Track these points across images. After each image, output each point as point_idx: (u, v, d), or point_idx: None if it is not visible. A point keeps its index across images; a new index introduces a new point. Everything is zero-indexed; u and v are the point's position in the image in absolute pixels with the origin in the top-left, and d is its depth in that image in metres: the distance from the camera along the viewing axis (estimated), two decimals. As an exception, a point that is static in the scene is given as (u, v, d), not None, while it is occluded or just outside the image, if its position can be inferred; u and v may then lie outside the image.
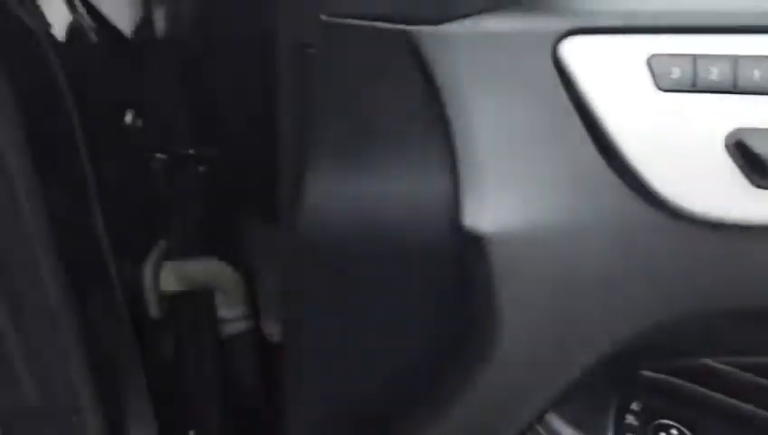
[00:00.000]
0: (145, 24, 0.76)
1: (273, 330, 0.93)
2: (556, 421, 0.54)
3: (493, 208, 0.46)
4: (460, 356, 0.51)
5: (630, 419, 0.56)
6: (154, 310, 0.88)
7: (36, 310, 0.69)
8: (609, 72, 0.46)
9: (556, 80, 0.45)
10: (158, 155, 0.82)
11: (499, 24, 0.45)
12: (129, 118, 0.77)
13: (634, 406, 0.57)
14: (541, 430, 0.53)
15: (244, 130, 0.76)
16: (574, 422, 0.55)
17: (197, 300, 0.94)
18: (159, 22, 0.78)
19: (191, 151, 0.83)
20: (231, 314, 0.94)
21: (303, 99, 0.56)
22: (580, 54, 0.45)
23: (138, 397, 0.87)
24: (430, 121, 0.49)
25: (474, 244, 0.46)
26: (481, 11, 0.46)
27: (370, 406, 0.60)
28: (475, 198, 0.46)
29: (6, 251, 0.66)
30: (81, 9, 0.67)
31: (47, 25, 0.62)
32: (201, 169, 0.84)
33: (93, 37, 0.68)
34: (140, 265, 0.85)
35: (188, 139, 0.84)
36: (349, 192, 0.52)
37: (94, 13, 0.70)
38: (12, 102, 0.58)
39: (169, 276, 0.90)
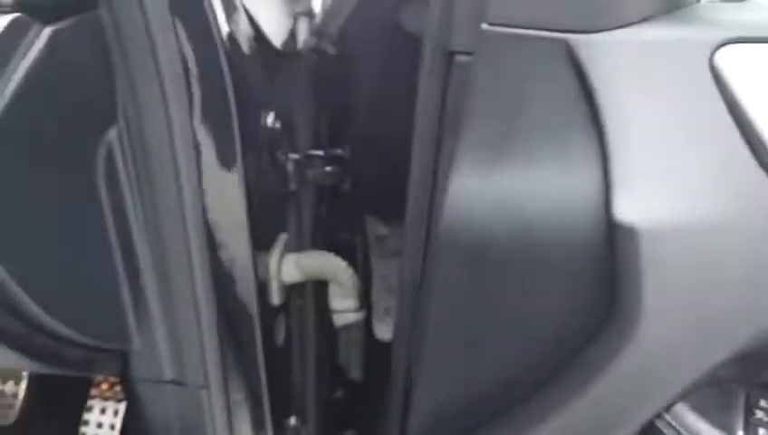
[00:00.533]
0: (291, 35, 0.83)
1: (382, 325, 0.98)
2: (690, 415, 0.55)
3: (644, 203, 0.49)
4: (600, 341, 0.53)
5: (761, 414, 0.57)
6: (275, 297, 0.94)
7: (184, 297, 0.77)
8: (762, 78, 0.49)
9: (712, 84, 0.48)
10: (292, 155, 0.89)
11: (657, 33, 0.49)
12: (269, 120, 0.83)
13: (763, 403, 0.58)
14: (673, 422, 0.56)
15: (373, 132, 0.82)
16: (704, 415, 0.57)
17: (313, 290, 1.00)
18: (302, 32, 0.85)
19: (321, 152, 0.90)
20: (343, 306, 1.00)
21: (450, 102, 0.62)
22: (734, 62, 0.48)
23: (256, 378, 0.93)
24: (578, 122, 0.53)
25: (624, 235, 0.49)
26: (637, 21, 0.50)
27: (499, 391, 0.64)
28: (627, 193, 0.50)
29: (166, 248, 0.73)
30: (244, 20, 0.75)
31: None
32: (328, 168, 0.91)
33: (252, 46, 0.76)
34: (264, 255, 0.91)
35: (319, 140, 0.91)
36: (492, 188, 0.56)
37: (252, 23, 0.77)
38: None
39: (290, 267, 0.96)
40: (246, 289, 0.85)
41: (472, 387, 0.63)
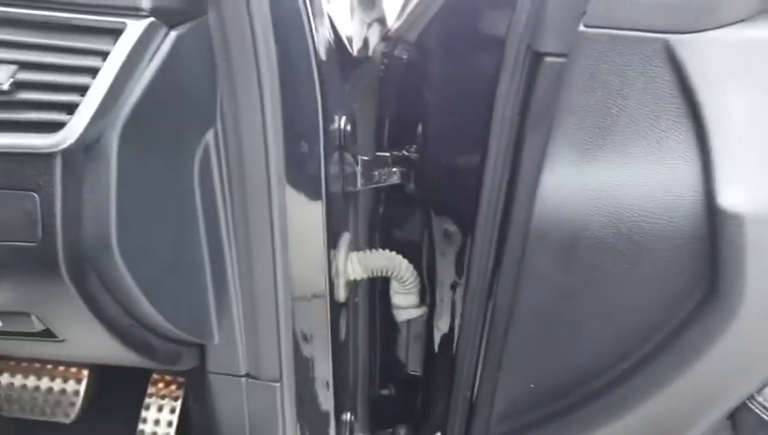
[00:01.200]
0: (363, 40, 0.86)
1: (443, 321, 1.00)
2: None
3: (747, 191, 0.52)
4: (699, 324, 0.56)
5: None
6: (341, 294, 0.97)
7: (265, 294, 0.79)
8: None
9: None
10: (361, 156, 0.92)
11: (755, 33, 0.52)
12: (342, 122, 0.86)
13: None
14: (766, 403, 0.58)
15: (443, 132, 0.84)
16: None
17: (367, 287, 1.03)
18: (373, 38, 0.88)
19: (387, 153, 0.93)
20: (405, 302, 1.02)
21: (537, 101, 0.64)
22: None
23: (323, 373, 0.95)
24: (675, 117, 0.56)
25: (728, 221, 0.52)
26: (735, 21, 0.53)
27: (586, 379, 0.66)
28: (730, 182, 0.52)
29: (252, 247, 0.76)
30: (328, 26, 0.78)
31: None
32: (394, 169, 0.94)
33: (333, 51, 0.79)
34: (331, 253, 0.94)
35: (386, 141, 0.94)
36: (586, 180, 0.59)
37: (333, 29, 0.80)
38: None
39: (355, 265, 0.99)
40: (319, 286, 0.88)
41: (558, 375, 0.65)
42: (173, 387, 1.15)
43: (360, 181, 0.94)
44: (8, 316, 0.63)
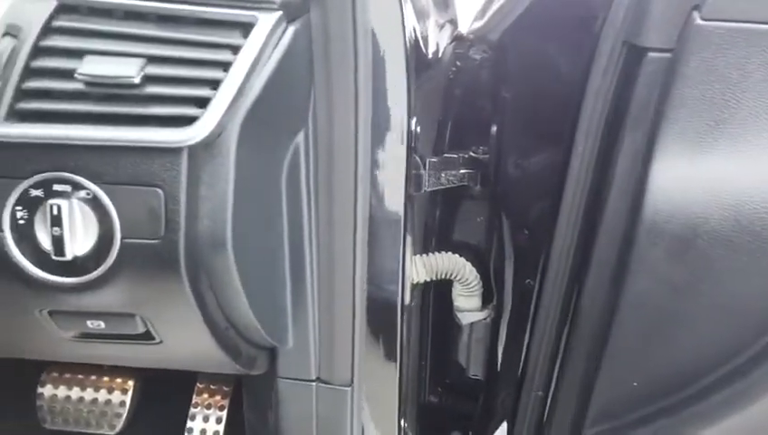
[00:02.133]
0: (435, 41, 0.87)
1: (510, 323, 1.00)
2: None
3: None
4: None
5: None
6: (407, 297, 0.96)
7: (343, 298, 0.78)
8: None
9: None
10: (429, 159, 0.92)
11: None
12: (412, 124, 0.86)
13: None
14: None
15: (517, 132, 0.85)
16: None
17: (439, 290, 1.02)
18: (444, 39, 0.89)
19: (455, 154, 0.93)
20: (468, 305, 1.02)
21: (638, 97, 0.65)
22: None
23: (391, 377, 0.94)
24: None
25: None
26: None
27: (694, 376, 0.66)
28: None
29: (334, 252, 0.75)
30: (410, 29, 0.78)
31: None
32: (462, 171, 0.94)
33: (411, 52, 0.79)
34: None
35: (453, 144, 0.94)
36: (701, 173, 0.60)
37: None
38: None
39: (419, 268, 0.99)
40: (393, 290, 0.87)
41: (665, 372, 0.65)
42: (218, 397, 1.13)
43: (426, 183, 0.94)
44: (112, 318, 0.61)
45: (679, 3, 0.60)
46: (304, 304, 0.79)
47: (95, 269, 0.56)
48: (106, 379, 1.12)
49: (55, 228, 0.53)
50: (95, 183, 0.54)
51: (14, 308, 0.60)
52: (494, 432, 1.05)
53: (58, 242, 0.53)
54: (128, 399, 1.11)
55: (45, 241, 0.55)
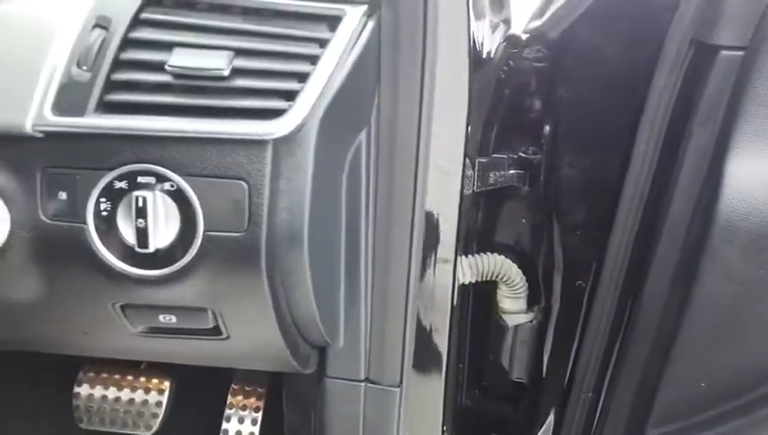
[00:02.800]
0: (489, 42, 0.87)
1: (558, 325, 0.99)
2: None
3: None
4: None
5: None
6: (454, 299, 0.96)
7: (397, 298, 0.78)
8: None
9: None
10: (479, 159, 0.92)
11: None
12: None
13: None
14: None
15: (576, 134, 0.85)
16: None
17: (484, 291, 1.02)
18: (497, 39, 0.89)
19: (504, 155, 0.93)
20: (514, 307, 1.02)
21: (709, 95, 0.65)
22: None
23: (438, 378, 0.94)
24: None
25: None
26: None
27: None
28: None
29: (391, 250, 0.75)
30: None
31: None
32: (511, 171, 0.94)
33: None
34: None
35: (501, 144, 0.94)
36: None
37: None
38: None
39: (465, 269, 0.98)
40: (444, 291, 0.87)
41: (736, 373, 0.65)
42: (253, 398, 1.13)
43: (475, 184, 0.94)
44: (185, 312, 0.61)
45: (754, 2, 0.61)
46: (357, 303, 0.78)
47: (176, 262, 0.56)
48: (143, 379, 1.12)
49: (140, 220, 0.53)
50: (180, 175, 0.54)
51: (88, 301, 0.60)
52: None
53: (142, 234, 0.53)
54: (164, 399, 1.11)
55: (128, 233, 0.55)
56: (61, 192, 0.54)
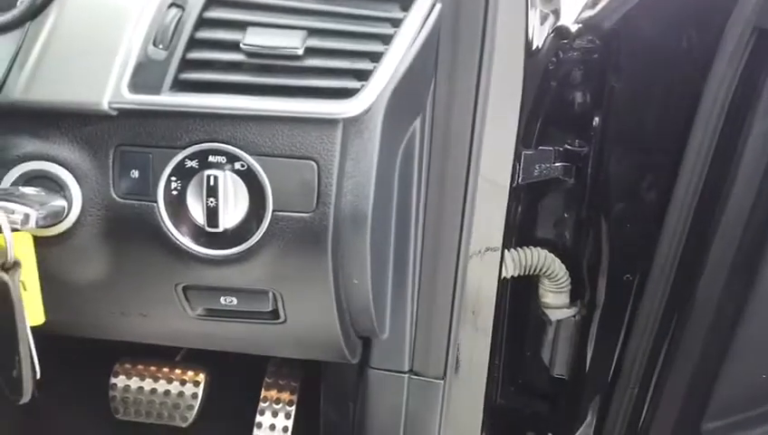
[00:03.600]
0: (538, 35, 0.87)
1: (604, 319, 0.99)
2: None
3: None
4: None
5: None
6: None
7: (444, 290, 0.78)
8: None
9: None
10: (524, 151, 0.92)
11: None
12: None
13: None
14: None
15: (628, 127, 0.84)
16: None
17: (525, 285, 1.02)
18: (546, 30, 0.89)
19: (550, 147, 0.93)
20: (557, 302, 1.01)
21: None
22: None
23: (480, 371, 0.93)
24: None
25: None
26: None
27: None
28: None
29: (440, 242, 0.75)
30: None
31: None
32: (557, 164, 0.94)
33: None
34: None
35: (545, 136, 0.94)
36: None
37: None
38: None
39: (508, 262, 0.98)
40: (490, 284, 0.87)
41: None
42: (287, 392, 1.14)
43: (520, 176, 0.94)
44: (246, 294, 0.62)
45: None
46: (404, 293, 0.79)
47: (244, 242, 0.56)
48: (178, 371, 1.13)
49: (210, 199, 0.54)
50: (250, 155, 0.54)
51: (152, 282, 0.60)
52: (577, 431, 1.04)
53: (212, 213, 0.54)
54: (200, 391, 1.12)
55: (197, 212, 0.55)
56: (133, 170, 0.54)
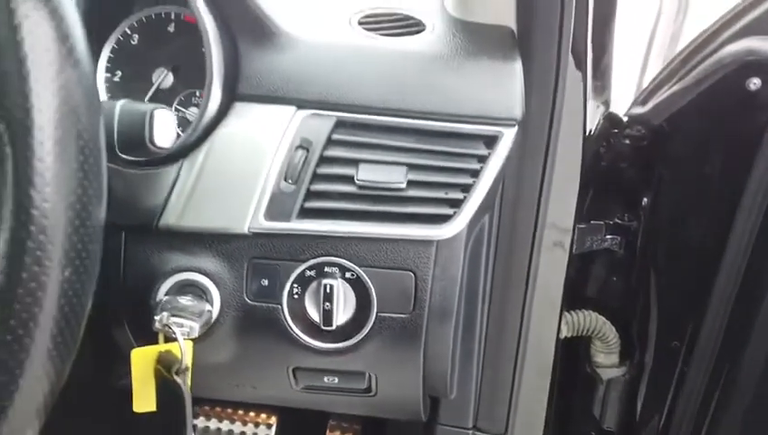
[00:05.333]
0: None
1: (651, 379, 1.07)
2: None
3: None
4: None
5: None
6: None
7: (508, 350, 0.88)
8: None
9: None
10: (578, 225, 1.02)
11: None
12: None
13: None
14: None
15: (675, 206, 0.94)
16: None
17: (578, 345, 1.11)
18: (596, 118, 0.99)
19: (601, 222, 1.03)
20: (608, 362, 1.10)
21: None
22: None
23: (538, 428, 1.03)
24: None
25: None
26: None
27: None
28: None
29: (507, 300, 0.86)
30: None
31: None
32: (609, 236, 1.03)
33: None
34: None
35: (595, 211, 1.04)
36: None
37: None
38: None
39: (562, 326, 1.08)
40: (549, 347, 0.97)
41: None
42: None
43: (574, 247, 1.04)
44: (347, 375, 0.73)
45: None
46: (471, 355, 0.89)
47: (351, 338, 0.68)
48: (252, 414, 1.25)
49: (327, 304, 0.66)
50: (359, 266, 0.66)
51: (270, 365, 0.73)
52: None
53: (327, 315, 0.66)
54: (272, 433, 1.24)
55: (314, 313, 0.67)
56: (263, 279, 0.67)
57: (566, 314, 1.10)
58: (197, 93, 0.71)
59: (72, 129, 0.39)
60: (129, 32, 0.71)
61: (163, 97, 0.71)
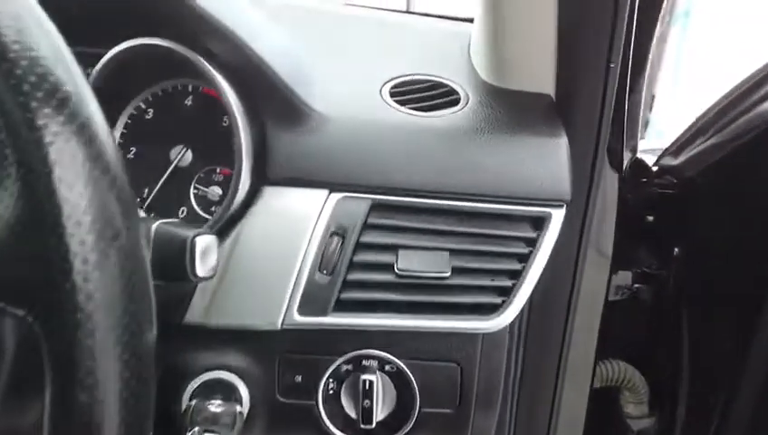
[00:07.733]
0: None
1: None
2: None
3: None
4: None
5: None
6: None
7: (545, 394, 0.85)
8: None
9: None
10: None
11: None
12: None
13: None
14: None
15: (707, 255, 0.90)
16: None
17: (608, 396, 1.08)
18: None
19: (630, 271, 0.99)
20: (637, 412, 1.07)
21: None
22: None
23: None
24: None
25: None
26: None
27: None
28: None
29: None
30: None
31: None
32: (636, 285, 1.00)
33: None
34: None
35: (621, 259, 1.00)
36: None
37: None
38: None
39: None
40: (582, 400, 0.93)
41: None
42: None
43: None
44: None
45: None
46: (504, 420, 0.85)
47: (392, 434, 0.63)
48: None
49: (366, 401, 0.61)
50: (400, 359, 0.62)
51: None
52: None
53: (367, 413, 0.61)
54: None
55: (351, 409, 0.63)
56: (297, 375, 0.62)
57: (598, 365, 1.07)
58: (218, 170, 0.66)
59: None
60: (143, 106, 0.66)
61: (181, 175, 0.66)
